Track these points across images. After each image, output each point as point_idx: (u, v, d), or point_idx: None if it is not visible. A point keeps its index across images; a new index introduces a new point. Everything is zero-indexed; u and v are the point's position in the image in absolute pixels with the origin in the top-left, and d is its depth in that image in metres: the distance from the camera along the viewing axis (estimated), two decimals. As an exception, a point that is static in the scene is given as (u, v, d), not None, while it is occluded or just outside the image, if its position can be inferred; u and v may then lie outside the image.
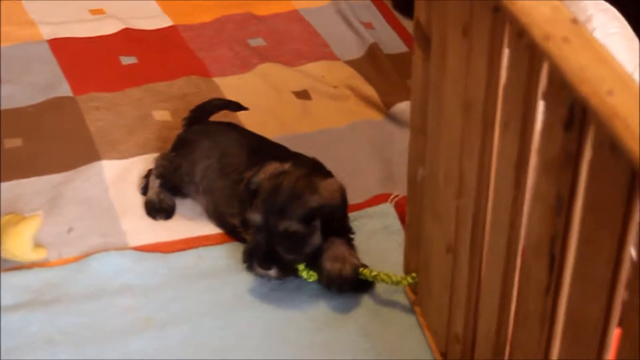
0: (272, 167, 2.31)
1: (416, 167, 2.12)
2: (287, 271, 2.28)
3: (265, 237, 2.24)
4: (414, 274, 2.25)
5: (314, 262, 2.29)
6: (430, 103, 1.96)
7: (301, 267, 2.28)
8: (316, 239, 2.29)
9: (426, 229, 2.12)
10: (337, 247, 2.31)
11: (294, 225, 2.23)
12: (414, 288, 2.29)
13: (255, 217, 2.25)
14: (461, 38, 1.73)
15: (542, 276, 1.54)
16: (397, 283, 2.28)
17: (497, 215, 1.71)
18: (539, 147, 1.50)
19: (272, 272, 2.26)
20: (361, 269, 2.30)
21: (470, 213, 1.83)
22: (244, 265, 2.29)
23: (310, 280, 2.29)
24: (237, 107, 2.82)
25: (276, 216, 2.23)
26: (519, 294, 1.69)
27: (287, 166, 2.31)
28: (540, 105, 1.49)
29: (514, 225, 1.65)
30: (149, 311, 2.29)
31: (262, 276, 2.28)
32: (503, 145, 1.63)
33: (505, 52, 1.58)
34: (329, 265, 2.29)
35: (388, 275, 2.27)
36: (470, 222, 1.84)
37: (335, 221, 2.30)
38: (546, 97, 1.44)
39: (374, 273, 2.28)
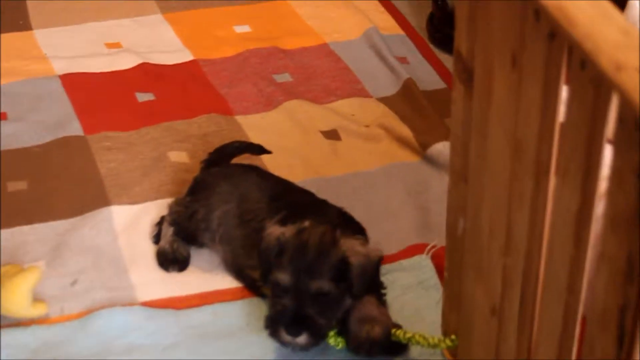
0: (285, 229, 2.08)
1: (456, 217, 1.87)
2: (319, 337, 2.03)
3: (293, 300, 2.00)
4: (453, 337, 2.00)
5: (341, 325, 2.05)
6: (473, 144, 1.72)
7: (330, 332, 2.05)
8: (347, 300, 2.06)
9: (468, 287, 1.87)
10: (366, 306, 2.08)
11: (326, 285, 2.00)
12: (454, 351, 2.04)
13: (284, 277, 2.01)
14: (510, 69, 1.49)
15: (609, 352, 1.30)
16: (435, 346, 2.03)
17: (552, 277, 1.46)
18: (605, 199, 1.26)
19: (302, 339, 2.01)
20: (393, 330, 2.06)
21: (520, 272, 1.58)
22: (267, 331, 2.05)
23: (339, 347, 2.06)
24: (259, 150, 2.59)
25: (306, 276, 1.99)
26: (578, 370, 1.44)
27: (306, 223, 2.08)
28: (608, 149, 1.25)
29: (573, 290, 1.40)
30: (158, 375, 2.06)
31: (287, 344, 2.03)
32: (560, 195, 1.38)
33: (563, 85, 1.35)
34: (356, 327, 2.05)
35: (424, 337, 2.03)
36: (520, 283, 1.59)
37: (366, 282, 2.07)
38: (615, 138, 1.20)
39: (408, 335, 2.04)
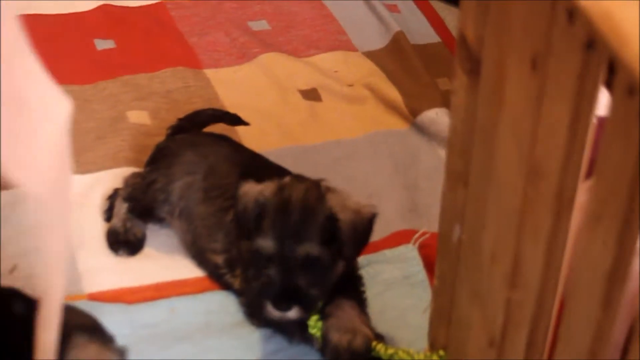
0: (263, 186, 1.83)
1: (452, 222, 1.59)
2: (311, 310, 1.79)
3: (279, 269, 1.75)
4: (441, 352, 1.74)
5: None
6: (477, 146, 1.44)
7: (312, 317, 1.81)
8: (339, 267, 1.81)
9: (461, 305, 1.61)
10: (345, 313, 1.83)
11: (315, 249, 1.75)
12: (442, 369, 1.79)
13: (266, 244, 1.76)
14: (529, 72, 1.20)
15: None
16: (420, 363, 1.77)
17: (571, 332, 1.20)
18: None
19: (292, 313, 1.77)
20: (374, 343, 1.80)
21: (529, 314, 1.31)
22: (249, 309, 1.90)
23: (317, 335, 1.81)
24: (235, 120, 2.29)
25: (292, 240, 1.74)
26: None
27: (287, 179, 1.84)
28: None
29: (596, 354, 1.13)
30: (102, 385, 1.79)
31: (275, 320, 1.80)
32: (589, 244, 1.10)
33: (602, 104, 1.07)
34: (335, 336, 1.80)
35: (408, 353, 1.78)
36: (528, 326, 1.32)
37: (359, 243, 1.82)
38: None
39: (389, 350, 1.79)
